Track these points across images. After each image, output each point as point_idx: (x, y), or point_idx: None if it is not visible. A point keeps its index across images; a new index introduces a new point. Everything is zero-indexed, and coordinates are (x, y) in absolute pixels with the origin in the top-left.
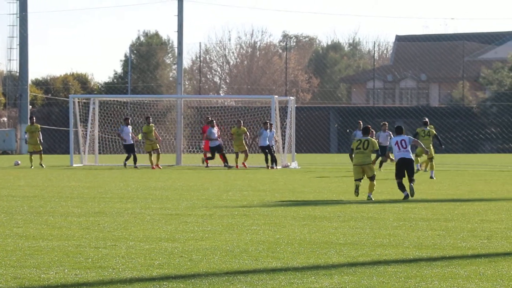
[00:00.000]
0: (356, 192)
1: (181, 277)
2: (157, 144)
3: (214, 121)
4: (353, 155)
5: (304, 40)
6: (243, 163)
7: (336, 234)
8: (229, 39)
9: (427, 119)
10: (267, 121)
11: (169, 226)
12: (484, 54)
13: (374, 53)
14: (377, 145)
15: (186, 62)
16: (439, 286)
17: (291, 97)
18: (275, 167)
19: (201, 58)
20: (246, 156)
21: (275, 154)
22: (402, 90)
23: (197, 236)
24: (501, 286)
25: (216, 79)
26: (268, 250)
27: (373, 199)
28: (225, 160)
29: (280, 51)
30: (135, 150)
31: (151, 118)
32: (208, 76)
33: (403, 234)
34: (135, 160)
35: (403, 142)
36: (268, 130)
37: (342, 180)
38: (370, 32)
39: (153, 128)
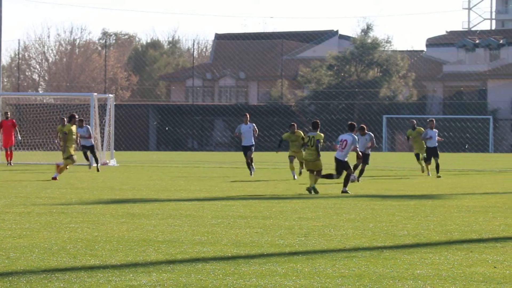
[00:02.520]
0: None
1: None
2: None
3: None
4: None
5: (123, 37)
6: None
7: (154, 231)
8: (48, 36)
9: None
10: (82, 119)
11: None
12: (303, 53)
13: (193, 51)
14: (321, 137)
15: (5, 59)
16: (256, 283)
17: (110, 95)
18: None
19: (20, 55)
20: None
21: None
22: (221, 88)
23: (15, 234)
24: (318, 283)
25: (35, 76)
26: (87, 248)
27: (314, 190)
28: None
29: (100, 48)
30: None
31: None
32: (27, 73)
33: (221, 232)
34: None
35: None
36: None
37: (161, 177)
38: (189, 30)
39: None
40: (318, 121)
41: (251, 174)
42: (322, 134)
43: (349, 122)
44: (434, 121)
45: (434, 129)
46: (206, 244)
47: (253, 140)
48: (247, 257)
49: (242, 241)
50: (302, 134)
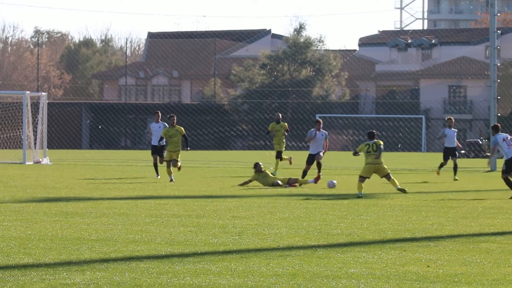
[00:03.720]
0: (359, 194)
1: None
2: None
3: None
4: (357, 153)
5: (56, 36)
6: None
7: (88, 230)
8: None
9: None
10: None
11: None
12: (236, 52)
13: (126, 50)
14: (381, 142)
15: None
16: (191, 282)
17: (43, 93)
18: None
19: None
20: None
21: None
22: (154, 87)
23: None
24: (252, 281)
25: None
26: (20, 246)
27: (400, 187)
28: None
29: (32, 46)
30: None
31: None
32: None
33: (155, 230)
34: None
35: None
36: None
37: (94, 176)
38: (122, 28)
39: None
40: (373, 131)
41: (157, 175)
42: (380, 141)
43: (494, 125)
44: (453, 120)
45: (453, 128)
46: (140, 243)
47: (164, 141)
48: (181, 255)
49: (176, 240)
50: (183, 130)
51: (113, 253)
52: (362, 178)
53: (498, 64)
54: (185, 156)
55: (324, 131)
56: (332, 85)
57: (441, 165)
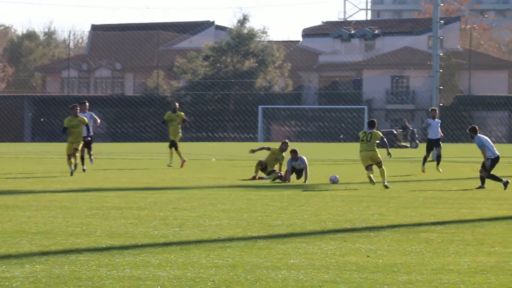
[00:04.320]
0: (371, 181)
1: None
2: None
3: None
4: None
5: None
6: None
7: (28, 223)
8: None
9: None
10: None
11: None
12: (179, 44)
13: (69, 42)
14: (380, 134)
15: None
16: (130, 274)
17: None
18: None
19: None
20: None
21: None
22: (97, 79)
23: None
24: (192, 273)
25: None
26: None
27: (388, 185)
28: None
29: None
30: None
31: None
32: None
33: (96, 223)
34: None
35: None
36: None
37: (36, 169)
38: (65, 21)
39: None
40: (374, 120)
41: (84, 168)
42: (380, 133)
43: (472, 126)
44: (437, 110)
45: (437, 119)
46: (80, 235)
47: (92, 130)
48: (121, 248)
49: (117, 232)
50: (85, 120)
51: (53, 246)
52: (367, 167)
53: (441, 54)
54: (128, 148)
55: (302, 157)
56: (275, 76)
57: (425, 160)
